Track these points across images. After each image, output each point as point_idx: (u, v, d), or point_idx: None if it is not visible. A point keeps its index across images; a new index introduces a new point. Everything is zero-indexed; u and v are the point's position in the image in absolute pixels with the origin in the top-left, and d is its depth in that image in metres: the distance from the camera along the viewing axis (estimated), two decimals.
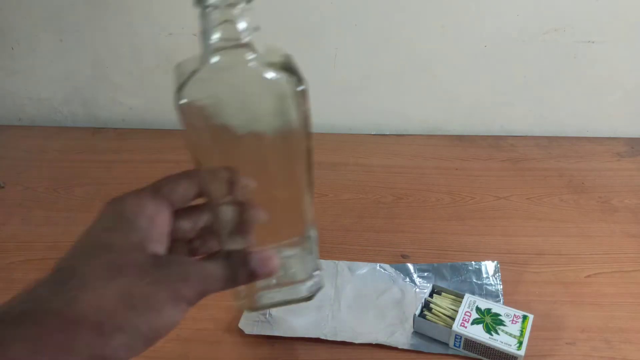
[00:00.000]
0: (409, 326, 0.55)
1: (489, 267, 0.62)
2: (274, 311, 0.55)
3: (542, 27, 0.82)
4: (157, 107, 0.92)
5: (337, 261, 0.62)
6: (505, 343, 0.51)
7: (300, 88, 0.34)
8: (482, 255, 0.64)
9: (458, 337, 0.52)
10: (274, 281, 0.41)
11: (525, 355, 0.50)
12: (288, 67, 0.34)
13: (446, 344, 0.53)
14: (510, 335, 0.52)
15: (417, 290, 0.59)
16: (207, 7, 0.32)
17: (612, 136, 0.91)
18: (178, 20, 0.83)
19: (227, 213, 0.38)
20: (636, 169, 0.82)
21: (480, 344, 0.51)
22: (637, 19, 0.81)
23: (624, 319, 0.56)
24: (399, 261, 0.63)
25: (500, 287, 0.60)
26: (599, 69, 0.86)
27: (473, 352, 0.52)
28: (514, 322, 0.53)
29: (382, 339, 0.53)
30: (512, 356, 0.50)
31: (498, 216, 0.71)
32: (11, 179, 0.78)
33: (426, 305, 0.55)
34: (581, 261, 0.64)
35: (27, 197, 0.74)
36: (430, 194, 0.75)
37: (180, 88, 0.33)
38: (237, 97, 0.35)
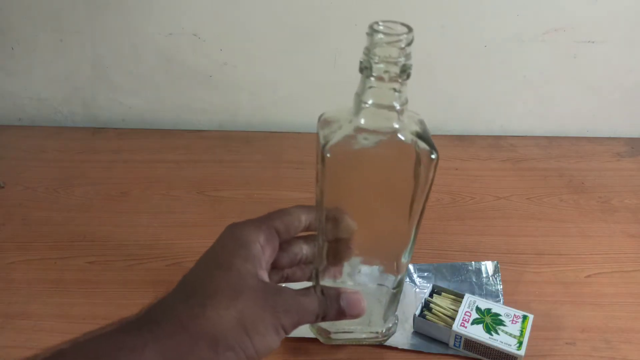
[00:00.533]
0: (409, 326, 0.55)
1: (488, 267, 0.62)
2: None
3: (542, 27, 0.82)
4: (157, 107, 0.92)
5: None
6: (505, 343, 0.51)
7: (433, 157, 0.38)
8: (482, 255, 0.64)
9: (458, 337, 0.52)
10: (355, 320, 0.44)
11: (525, 355, 0.50)
12: (424, 136, 0.39)
13: (446, 344, 0.53)
14: (510, 335, 0.52)
15: (417, 290, 0.59)
16: (373, 77, 0.35)
17: (612, 136, 0.91)
18: (178, 20, 0.83)
19: (331, 250, 0.42)
20: (636, 169, 0.82)
21: (480, 344, 0.51)
22: (637, 19, 0.81)
23: (624, 319, 0.56)
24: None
25: (500, 287, 0.60)
26: (599, 69, 0.86)
27: (473, 352, 0.52)
28: (514, 322, 0.53)
29: None
30: (512, 356, 0.50)
31: (498, 216, 0.71)
32: (11, 179, 0.78)
33: (426, 305, 0.55)
34: (581, 261, 0.64)
35: (27, 197, 0.74)
36: (431, 194, 0.75)
37: (327, 142, 0.37)
38: (376, 157, 0.39)
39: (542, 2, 0.80)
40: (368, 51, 0.36)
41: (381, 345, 0.52)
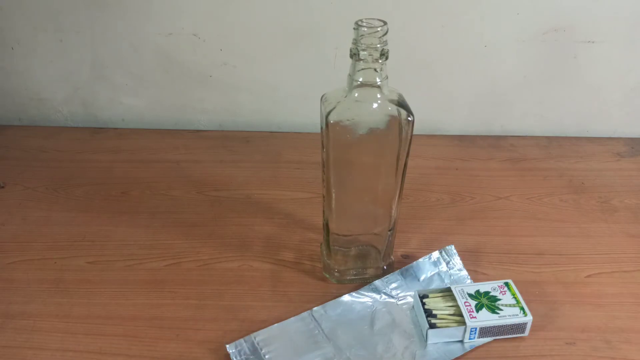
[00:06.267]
0: (420, 340, 0.53)
1: (442, 256, 0.62)
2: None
3: (542, 27, 0.82)
4: (157, 107, 0.92)
5: (309, 311, 0.56)
6: (512, 315, 0.51)
7: (409, 119, 0.48)
8: (482, 255, 0.64)
9: (473, 329, 0.52)
10: (359, 262, 0.59)
11: (525, 356, 0.50)
12: (402, 104, 0.49)
13: (460, 342, 0.52)
14: (510, 305, 0.52)
15: (399, 302, 0.57)
16: (360, 60, 0.46)
17: (612, 136, 0.91)
18: (178, 20, 0.83)
19: (337, 198, 0.53)
20: (636, 169, 0.82)
21: (493, 327, 0.51)
22: (637, 19, 0.81)
23: (624, 319, 0.56)
24: (399, 261, 0.63)
25: (462, 267, 0.61)
26: (599, 69, 0.86)
27: (487, 337, 0.52)
28: (502, 292, 0.54)
29: None
30: (522, 324, 0.51)
31: (498, 216, 0.71)
32: (11, 179, 0.78)
33: (429, 314, 0.53)
34: (581, 261, 0.64)
35: (27, 197, 0.74)
36: (430, 194, 0.75)
37: (329, 112, 0.48)
38: (367, 121, 0.49)
39: (542, 2, 0.80)
40: (356, 41, 0.45)
41: None
